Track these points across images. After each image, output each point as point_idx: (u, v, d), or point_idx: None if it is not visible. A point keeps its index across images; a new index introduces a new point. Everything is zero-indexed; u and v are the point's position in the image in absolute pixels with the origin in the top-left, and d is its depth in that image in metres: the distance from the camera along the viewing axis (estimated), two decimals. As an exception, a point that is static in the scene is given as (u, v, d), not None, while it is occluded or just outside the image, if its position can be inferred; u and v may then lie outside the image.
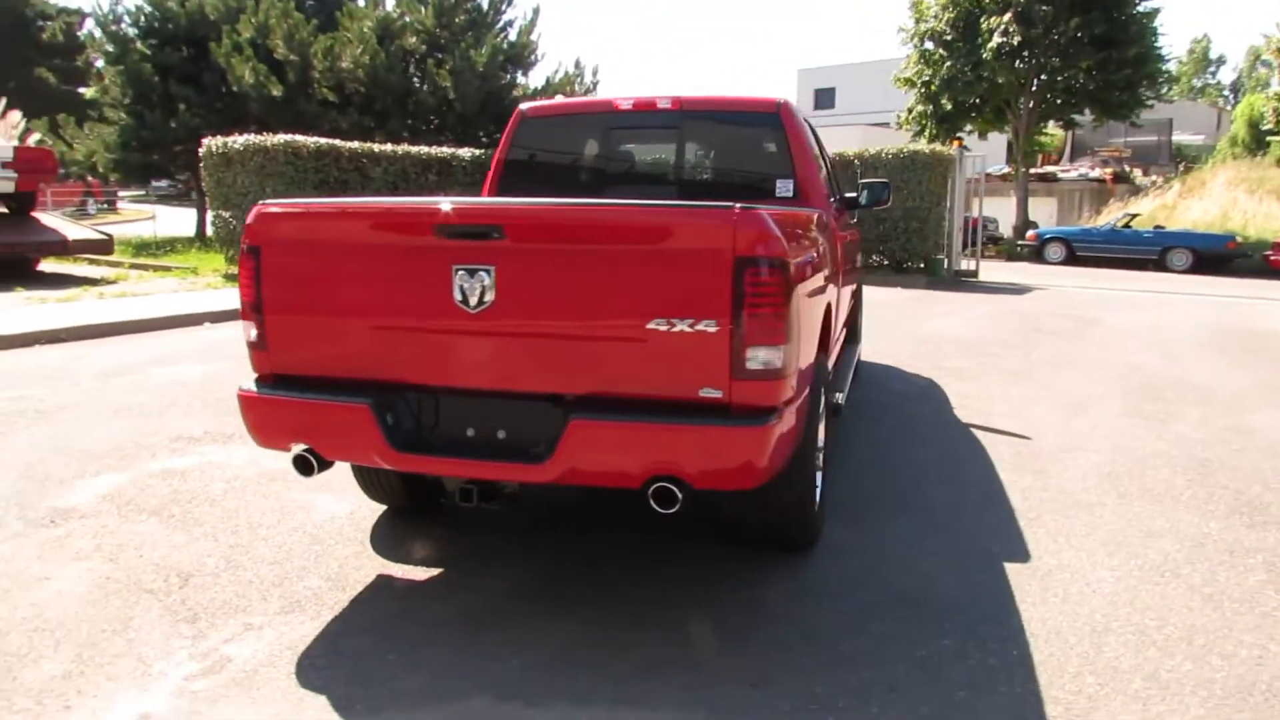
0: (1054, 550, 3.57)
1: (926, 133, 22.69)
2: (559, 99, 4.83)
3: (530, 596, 3.24)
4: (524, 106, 4.72)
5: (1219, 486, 4.32)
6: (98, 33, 17.64)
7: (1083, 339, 8.89)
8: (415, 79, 16.01)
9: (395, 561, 3.51)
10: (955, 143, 14.79)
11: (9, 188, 11.55)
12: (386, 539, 3.72)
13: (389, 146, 13.49)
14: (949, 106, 22.23)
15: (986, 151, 26.06)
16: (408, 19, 16.21)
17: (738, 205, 2.58)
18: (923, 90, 22.72)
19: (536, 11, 17.92)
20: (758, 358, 2.61)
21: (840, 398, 4.44)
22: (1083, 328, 9.77)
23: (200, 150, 12.78)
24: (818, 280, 3.21)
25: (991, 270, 17.25)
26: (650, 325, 2.62)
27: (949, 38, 21.58)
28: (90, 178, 17.74)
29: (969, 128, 23.59)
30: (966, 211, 14.76)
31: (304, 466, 2.97)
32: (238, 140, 12.30)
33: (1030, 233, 21.37)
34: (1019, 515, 3.96)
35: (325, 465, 2.98)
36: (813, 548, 3.56)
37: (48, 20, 37.97)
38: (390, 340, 2.87)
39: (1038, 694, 2.58)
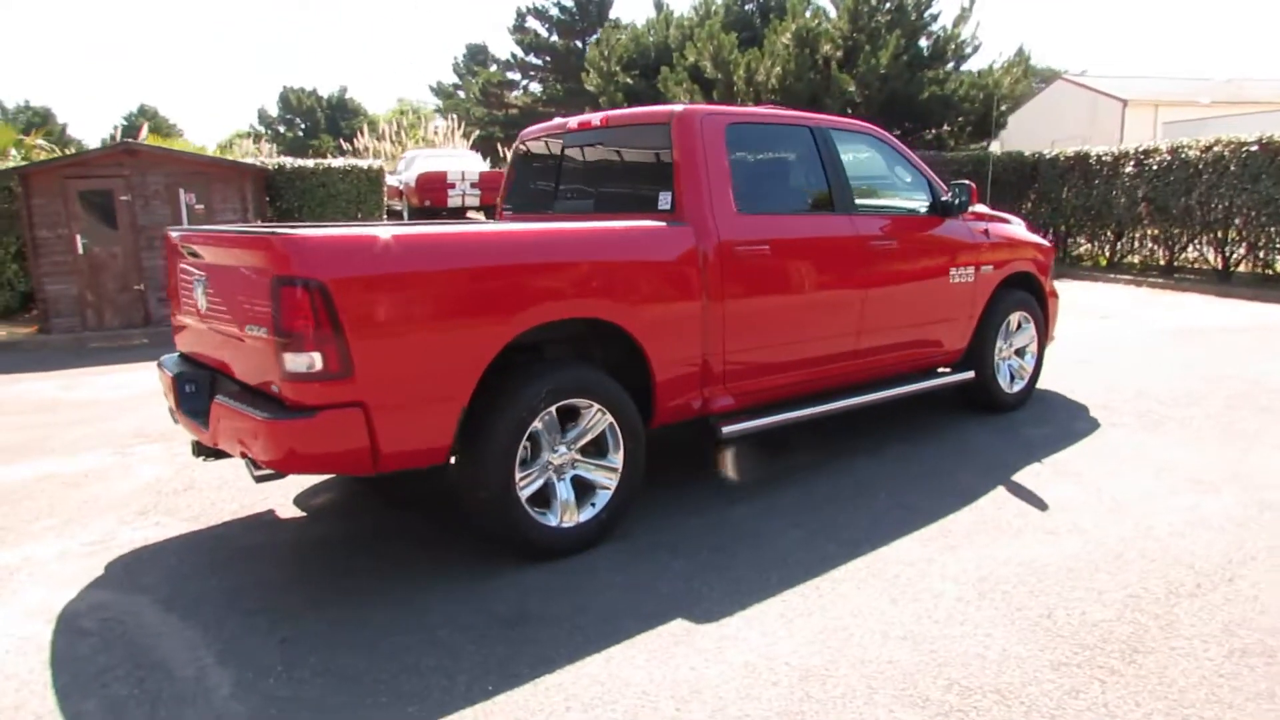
0: (770, 628, 3.10)
1: None
2: (557, 121, 5.17)
3: (315, 550, 4.00)
4: (526, 130, 5.26)
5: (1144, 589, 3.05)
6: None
7: None
8: (824, 85, 16.29)
9: (292, 505, 4.53)
10: None
11: (476, 201, 15.17)
12: (315, 490, 4.74)
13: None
14: None
15: None
16: (825, 26, 16.55)
17: (282, 229, 3.04)
18: None
19: (972, 1, 16.74)
20: (296, 362, 3.04)
21: (733, 428, 4.20)
22: None
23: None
24: (471, 302, 3.32)
25: None
26: (246, 329, 3.23)
27: None
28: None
29: None
30: None
31: (171, 418, 4.18)
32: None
33: None
34: (821, 581, 3.41)
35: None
36: (547, 558, 3.63)
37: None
38: (195, 332, 3.91)
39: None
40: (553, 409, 3.60)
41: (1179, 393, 6.16)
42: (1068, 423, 5.54)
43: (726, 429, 4.20)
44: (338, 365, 3.06)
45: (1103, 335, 8.66)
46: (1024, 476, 4.55)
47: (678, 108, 4.25)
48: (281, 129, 69.48)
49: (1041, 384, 6.48)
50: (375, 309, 3.12)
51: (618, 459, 3.82)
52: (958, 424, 5.55)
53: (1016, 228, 5.93)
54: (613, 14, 48.17)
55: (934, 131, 17.23)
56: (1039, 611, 3.11)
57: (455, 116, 37.75)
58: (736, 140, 4.33)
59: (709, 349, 4.12)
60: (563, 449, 3.71)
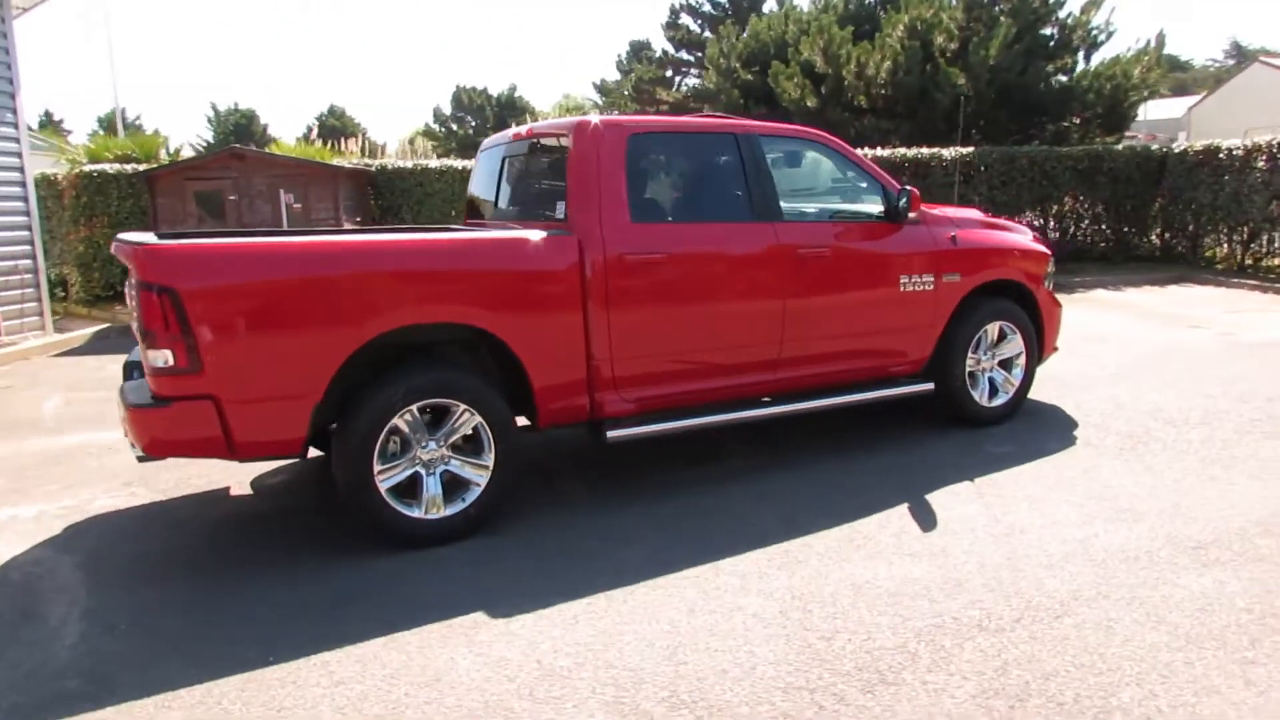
0: (554, 629, 3.23)
1: None
2: (506, 131, 5.36)
3: (234, 526, 4.44)
4: (486, 140, 5.50)
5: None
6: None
7: None
8: (935, 79, 15.51)
9: (248, 485, 5.01)
10: None
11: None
12: (275, 472, 5.19)
13: (860, 151, 13.81)
14: None
15: None
16: (942, 17, 15.73)
17: (153, 239, 3.42)
18: None
19: (1104, -14, 15.43)
20: (154, 358, 3.44)
21: (619, 433, 4.29)
22: None
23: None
24: (315, 309, 3.61)
25: None
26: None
27: None
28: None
29: None
30: None
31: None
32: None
33: None
34: (642, 587, 3.47)
35: None
36: (410, 546, 3.87)
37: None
38: (137, 325, 4.41)
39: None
40: (414, 407, 3.83)
41: (1197, 413, 5.63)
42: (1039, 441, 5.20)
43: (612, 434, 4.29)
44: (187, 362, 3.42)
45: (1172, 347, 7.93)
46: (939, 496, 4.36)
47: (593, 119, 4.35)
48: (454, 126, 73.28)
49: (1053, 398, 6.11)
50: (223, 313, 3.46)
51: (489, 458, 4.01)
52: (916, 437, 5.34)
53: (1000, 234, 5.61)
54: (765, 8, 47.68)
55: (1063, 124, 16.06)
56: (823, 634, 3.05)
57: (615, 112, 38.90)
58: (641, 151, 4.40)
59: (597, 356, 4.22)
60: (432, 445, 3.93)
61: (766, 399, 4.82)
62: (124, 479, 5.13)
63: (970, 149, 13.83)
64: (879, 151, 13.77)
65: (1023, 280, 5.57)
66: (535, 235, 4.13)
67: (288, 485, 4.98)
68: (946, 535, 3.87)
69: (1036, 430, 5.45)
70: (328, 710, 2.72)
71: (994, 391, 5.59)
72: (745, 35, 21.12)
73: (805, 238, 4.73)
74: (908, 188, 4.93)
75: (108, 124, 46.56)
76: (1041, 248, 5.77)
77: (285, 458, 3.80)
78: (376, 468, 3.78)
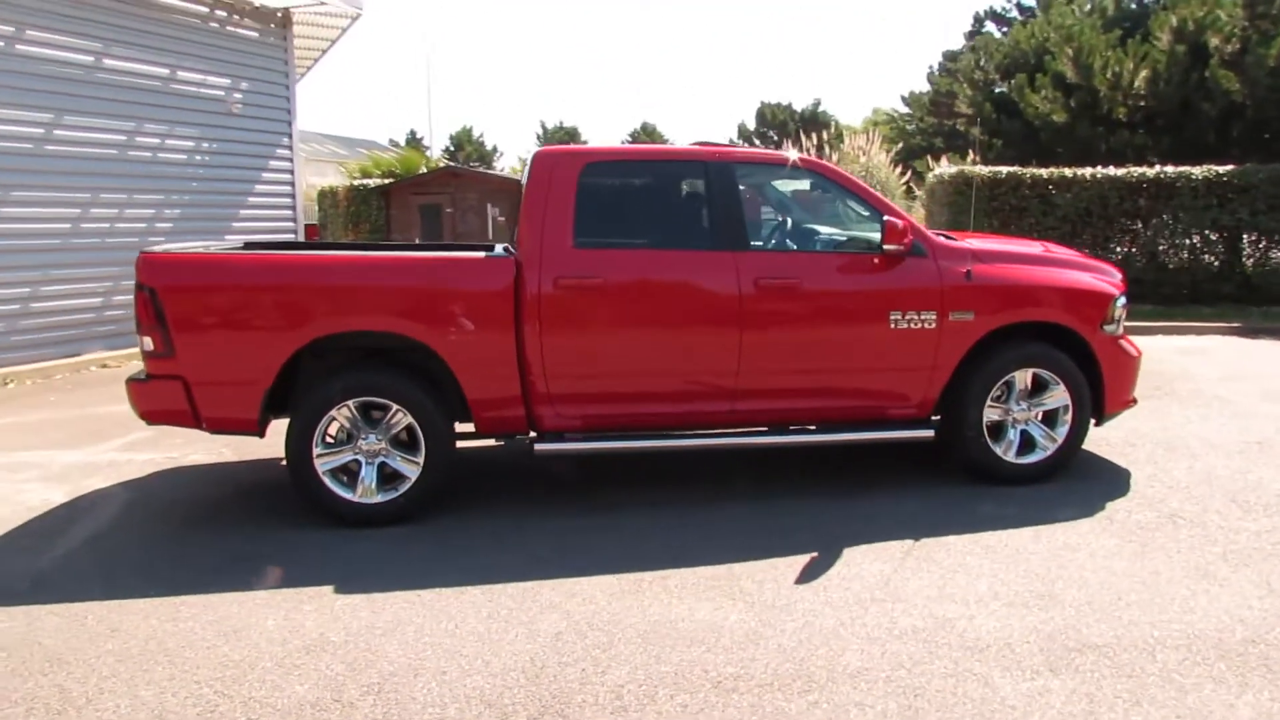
0: (343, 612, 3.59)
1: None
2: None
3: (250, 490, 5.29)
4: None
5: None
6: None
7: None
8: (1200, 87, 13.31)
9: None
10: None
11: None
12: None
13: (1087, 171, 12.36)
14: None
15: None
16: (1219, 15, 13.40)
17: (159, 249, 4.28)
18: None
19: None
20: (144, 343, 4.29)
21: (545, 448, 4.56)
22: None
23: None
24: (265, 310, 4.27)
25: None
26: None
27: None
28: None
29: None
30: None
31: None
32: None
33: None
34: (474, 590, 3.72)
35: None
36: (342, 525, 4.41)
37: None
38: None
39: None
40: (351, 403, 4.36)
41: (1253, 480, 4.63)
42: (1053, 509, 4.58)
43: (539, 447, 4.52)
44: (163, 347, 4.23)
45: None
46: (859, 551, 4.07)
47: (550, 150, 4.64)
48: (757, 142, 74.75)
49: (1137, 462, 5.35)
50: (190, 309, 4.24)
51: (421, 456, 4.43)
52: (914, 487, 4.93)
53: (1047, 270, 4.98)
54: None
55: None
56: (569, 660, 3.10)
57: (899, 127, 38.15)
58: (597, 179, 4.59)
59: (532, 373, 4.47)
60: (373, 438, 4.43)
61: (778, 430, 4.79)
62: (225, 441, 6.21)
63: (1229, 167, 11.85)
64: (1111, 171, 12.23)
65: (1070, 324, 4.91)
66: (475, 256, 4.49)
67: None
68: (810, 591, 3.66)
69: (1065, 495, 4.79)
70: (141, 637, 3.31)
71: (1029, 447, 4.99)
72: (1005, 44, 19.63)
73: (771, 268, 4.61)
74: (887, 218, 4.59)
75: (458, 142, 53.35)
76: (1104, 288, 5.03)
77: (245, 434, 4.49)
78: (316, 451, 4.35)
